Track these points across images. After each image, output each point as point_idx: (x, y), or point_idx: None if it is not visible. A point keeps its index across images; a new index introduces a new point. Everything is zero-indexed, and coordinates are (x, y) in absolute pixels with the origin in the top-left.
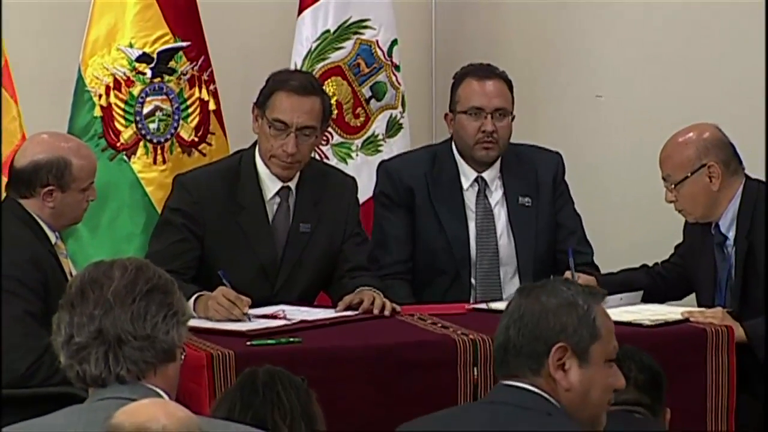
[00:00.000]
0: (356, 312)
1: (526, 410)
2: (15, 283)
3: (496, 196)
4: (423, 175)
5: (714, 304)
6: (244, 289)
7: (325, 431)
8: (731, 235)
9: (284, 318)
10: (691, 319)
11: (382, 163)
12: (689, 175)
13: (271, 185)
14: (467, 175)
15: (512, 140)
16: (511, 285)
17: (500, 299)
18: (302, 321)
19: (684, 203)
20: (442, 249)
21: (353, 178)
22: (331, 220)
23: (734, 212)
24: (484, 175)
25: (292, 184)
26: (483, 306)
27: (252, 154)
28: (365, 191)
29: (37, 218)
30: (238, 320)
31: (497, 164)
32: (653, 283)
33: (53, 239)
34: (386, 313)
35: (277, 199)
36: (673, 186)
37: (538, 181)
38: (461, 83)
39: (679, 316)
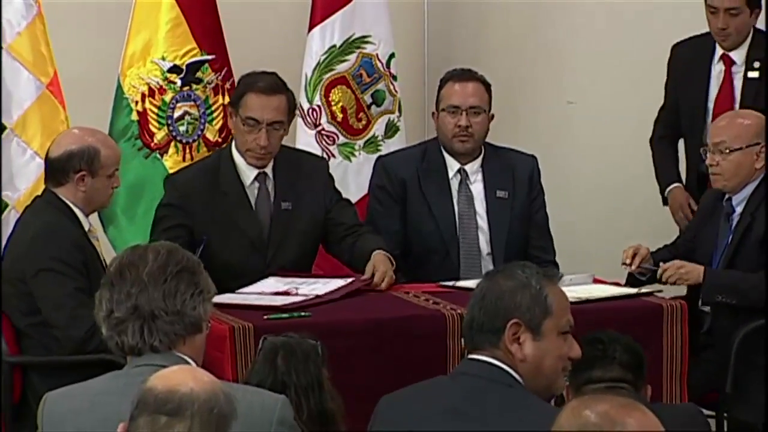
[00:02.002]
0: (364, 279)
1: (490, 381)
2: (62, 264)
3: (476, 187)
4: (415, 168)
5: (710, 265)
6: (240, 265)
7: (332, 392)
8: (739, 210)
9: (296, 294)
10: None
11: (379, 158)
12: (743, 147)
13: (248, 173)
14: (451, 166)
15: (494, 141)
16: (487, 265)
17: (479, 271)
18: (316, 296)
19: (726, 169)
20: (432, 230)
21: (324, 159)
22: (309, 197)
23: (748, 193)
24: (466, 167)
25: (268, 170)
26: (450, 283)
27: (229, 149)
28: (366, 185)
29: (71, 206)
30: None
31: (479, 159)
32: (676, 256)
33: (86, 226)
34: (383, 287)
35: (257, 184)
36: (727, 151)
37: (515, 178)
38: (444, 85)
39: (616, 293)
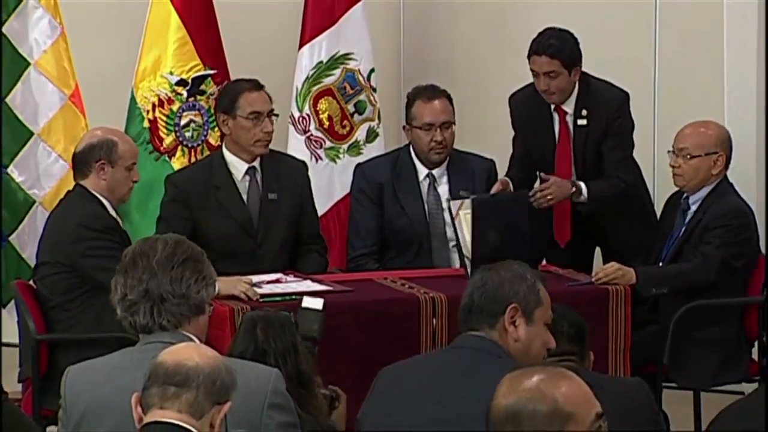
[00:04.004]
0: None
1: (484, 352)
2: (106, 241)
3: (443, 188)
4: (389, 173)
5: (662, 254)
6: (233, 247)
7: (306, 356)
8: (694, 208)
9: (285, 282)
10: (598, 276)
11: (358, 165)
12: (703, 154)
13: (239, 167)
14: (421, 171)
15: (462, 148)
16: (454, 254)
17: (448, 260)
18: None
19: (686, 171)
20: (406, 226)
21: (304, 162)
22: (291, 191)
23: (704, 194)
24: (434, 172)
25: (256, 164)
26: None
27: (220, 151)
28: (349, 184)
29: (99, 196)
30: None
31: (444, 164)
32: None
33: (114, 214)
34: None
35: (248, 178)
36: (688, 157)
37: (474, 179)
38: (414, 103)
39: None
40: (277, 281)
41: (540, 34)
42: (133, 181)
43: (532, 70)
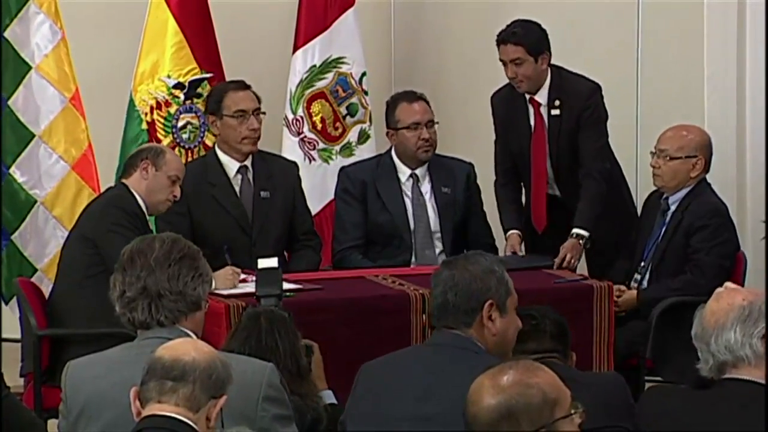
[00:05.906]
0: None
1: (461, 349)
2: (126, 228)
3: (425, 186)
4: (371, 174)
5: (642, 255)
6: (230, 242)
7: (305, 361)
8: (673, 208)
9: (251, 281)
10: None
11: (342, 168)
12: (682, 157)
13: (231, 166)
14: (404, 171)
15: (450, 150)
16: (437, 244)
17: (432, 249)
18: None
19: (665, 172)
20: (387, 221)
21: (294, 162)
22: (283, 189)
23: (683, 194)
24: (416, 172)
25: (248, 163)
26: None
27: (213, 150)
28: None
29: (137, 196)
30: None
31: (425, 165)
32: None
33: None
34: None
35: (239, 176)
36: (668, 159)
37: (455, 178)
38: (397, 107)
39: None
40: (243, 281)
41: (507, 25)
42: (173, 196)
43: (501, 60)
